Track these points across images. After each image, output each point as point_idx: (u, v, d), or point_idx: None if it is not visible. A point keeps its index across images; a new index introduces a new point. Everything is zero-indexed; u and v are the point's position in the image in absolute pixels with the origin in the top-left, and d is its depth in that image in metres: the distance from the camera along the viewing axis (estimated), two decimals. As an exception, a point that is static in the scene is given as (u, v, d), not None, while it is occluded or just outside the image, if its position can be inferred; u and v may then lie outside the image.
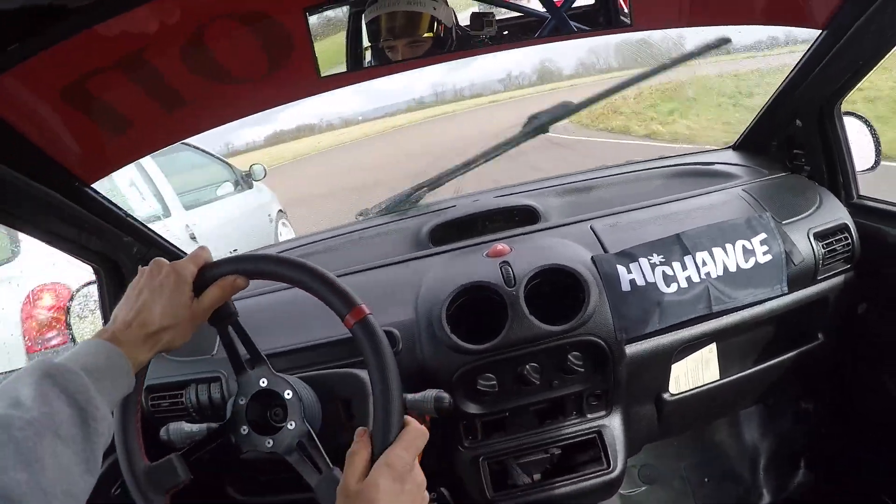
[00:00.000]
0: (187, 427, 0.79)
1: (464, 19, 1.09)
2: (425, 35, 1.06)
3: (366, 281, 1.08)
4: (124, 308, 0.65)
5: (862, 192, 1.20)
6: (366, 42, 1.07)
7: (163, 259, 0.70)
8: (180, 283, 0.66)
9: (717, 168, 1.30)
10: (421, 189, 1.32)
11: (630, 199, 1.19)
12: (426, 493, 0.60)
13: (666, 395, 1.09)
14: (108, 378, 0.57)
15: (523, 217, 1.21)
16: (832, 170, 1.20)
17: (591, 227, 1.11)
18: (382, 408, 0.61)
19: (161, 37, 0.87)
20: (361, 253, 1.19)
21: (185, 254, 1.23)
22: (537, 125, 1.21)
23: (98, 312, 1.12)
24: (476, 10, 1.07)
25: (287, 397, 0.69)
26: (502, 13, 1.07)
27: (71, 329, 1.11)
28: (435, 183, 1.32)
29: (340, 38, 1.06)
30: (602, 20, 0.97)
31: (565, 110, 1.22)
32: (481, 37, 1.06)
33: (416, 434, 0.61)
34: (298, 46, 0.97)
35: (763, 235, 1.06)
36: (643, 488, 1.45)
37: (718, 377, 1.12)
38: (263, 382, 0.69)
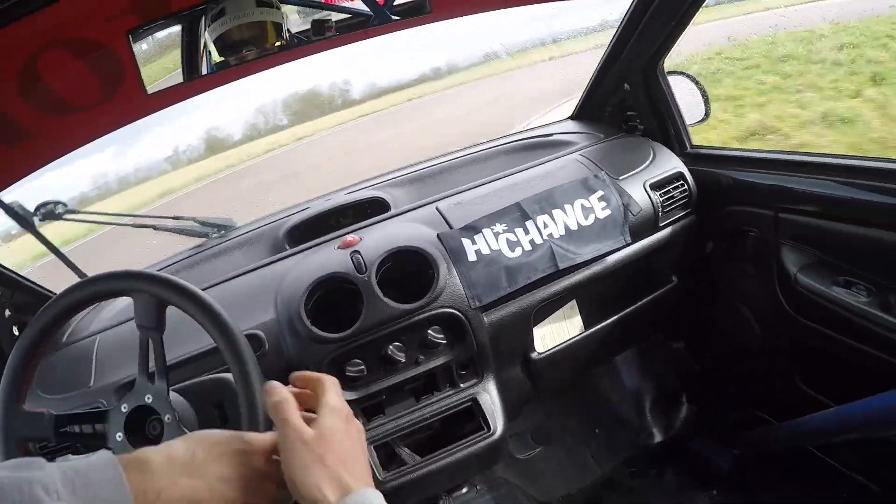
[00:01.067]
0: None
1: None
2: (276, 44, 1.10)
3: (226, 291, 1.10)
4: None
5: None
6: (217, 58, 1.10)
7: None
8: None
9: (555, 138, 1.38)
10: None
11: (474, 178, 1.25)
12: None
13: (533, 355, 1.16)
14: None
15: (373, 208, 1.26)
16: (663, 125, 1.30)
17: (436, 208, 1.17)
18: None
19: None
20: (221, 265, 1.22)
21: (42, 288, 1.24)
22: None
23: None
24: (316, 17, 1.12)
25: (167, 421, 0.70)
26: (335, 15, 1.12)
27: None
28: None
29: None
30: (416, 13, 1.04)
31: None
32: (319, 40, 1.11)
33: (335, 382, 0.63)
34: (127, 69, 0.99)
35: (600, 192, 1.15)
36: (538, 449, 1.52)
37: (583, 330, 1.20)
38: (148, 399, 0.71)
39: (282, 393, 0.60)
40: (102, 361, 1.05)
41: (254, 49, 1.08)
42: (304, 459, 0.56)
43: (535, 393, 1.21)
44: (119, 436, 0.70)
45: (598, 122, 1.42)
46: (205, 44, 1.09)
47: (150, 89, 1.00)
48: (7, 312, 1.14)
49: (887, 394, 0.89)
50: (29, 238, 1.29)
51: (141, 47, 1.01)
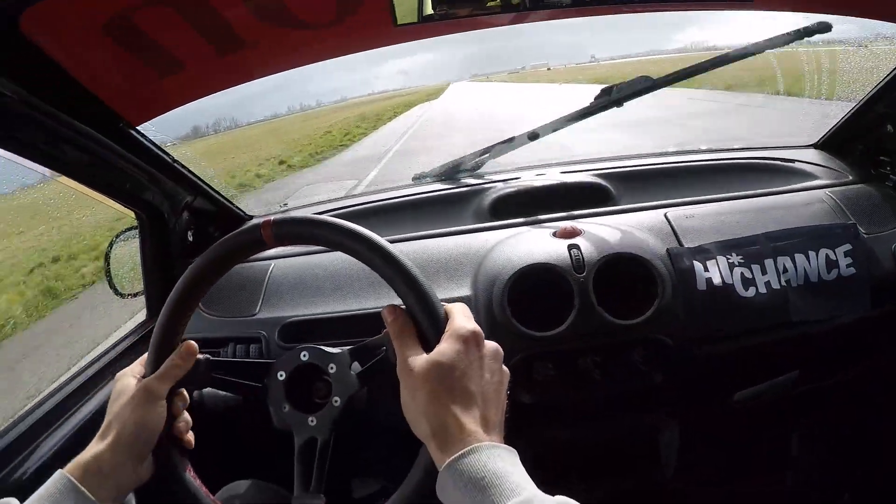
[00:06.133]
0: (222, 394, 0.74)
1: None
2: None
3: (421, 250, 1.02)
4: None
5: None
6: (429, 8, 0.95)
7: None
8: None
9: (798, 166, 1.21)
10: (482, 156, 1.24)
11: (707, 190, 1.11)
12: (504, 366, 0.54)
13: (733, 401, 1.04)
14: None
15: (593, 197, 1.13)
16: None
17: (665, 215, 1.04)
18: (417, 296, 0.54)
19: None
20: (417, 219, 1.13)
21: (231, 203, 1.19)
22: (614, 98, 1.11)
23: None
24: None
25: (331, 371, 0.63)
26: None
27: (110, 275, 1.06)
28: (496, 151, 1.23)
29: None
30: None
31: (644, 85, 1.11)
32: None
33: (465, 308, 0.55)
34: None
35: (847, 247, 0.98)
36: None
37: (789, 385, 1.06)
38: (305, 356, 0.64)
39: (400, 320, 0.54)
40: (272, 291, 1.01)
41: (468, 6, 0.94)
42: (409, 394, 0.49)
43: (724, 441, 1.09)
44: (285, 406, 0.63)
45: (844, 158, 1.23)
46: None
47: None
48: (185, 215, 1.10)
49: None
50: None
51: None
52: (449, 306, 0.55)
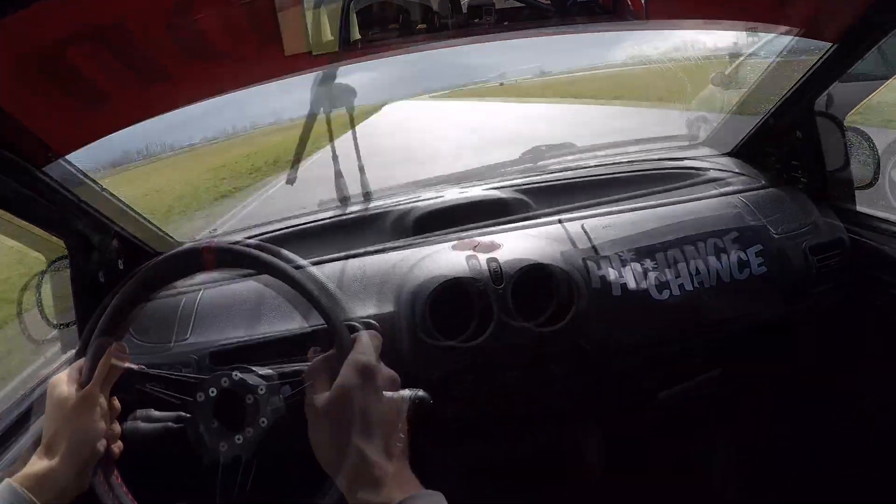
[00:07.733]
0: (156, 414, 0.75)
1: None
2: (418, 26, 1.02)
3: (344, 269, 1.03)
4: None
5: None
6: (356, 35, 1.01)
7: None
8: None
9: (712, 174, 1.26)
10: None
11: (623, 199, 1.15)
12: (401, 391, 0.58)
13: (656, 402, 1.06)
14: None
15: (514, 210, 1.16)
16: (830, 183, 1.17)
17: (582, 225, 1.07)
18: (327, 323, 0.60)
19: (147, 6, 0.83)
20: (339, 240, 1.14)
21: (160, 230, 1.20)
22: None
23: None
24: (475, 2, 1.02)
25: (261, 393, 0.65)
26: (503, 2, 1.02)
27: (41, 305, 1.06)
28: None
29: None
30: (609, 14, 0.94)
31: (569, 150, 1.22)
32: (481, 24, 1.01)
33: (368, 338, 0.59)
34: (292, 23, 0.93)
35: (759, 247, 1.03)
36: None
37: (713, 383, 1.09)
38: (236, 376, 0.66)
39: (314, 363, 0.58)
40: (202, 317, 1.01)
41: (389, 30, 1.00)
42: (315, 430, 0.53)
43: (647, 447, 1.11)
44: (214, 423, 0.65)
45: (757, 165, 1.29)
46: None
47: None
48: (115, 244, 1.10)
49: None
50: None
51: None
52: (356, 335, 0.59)
